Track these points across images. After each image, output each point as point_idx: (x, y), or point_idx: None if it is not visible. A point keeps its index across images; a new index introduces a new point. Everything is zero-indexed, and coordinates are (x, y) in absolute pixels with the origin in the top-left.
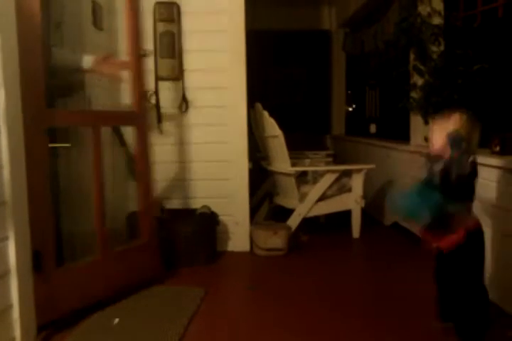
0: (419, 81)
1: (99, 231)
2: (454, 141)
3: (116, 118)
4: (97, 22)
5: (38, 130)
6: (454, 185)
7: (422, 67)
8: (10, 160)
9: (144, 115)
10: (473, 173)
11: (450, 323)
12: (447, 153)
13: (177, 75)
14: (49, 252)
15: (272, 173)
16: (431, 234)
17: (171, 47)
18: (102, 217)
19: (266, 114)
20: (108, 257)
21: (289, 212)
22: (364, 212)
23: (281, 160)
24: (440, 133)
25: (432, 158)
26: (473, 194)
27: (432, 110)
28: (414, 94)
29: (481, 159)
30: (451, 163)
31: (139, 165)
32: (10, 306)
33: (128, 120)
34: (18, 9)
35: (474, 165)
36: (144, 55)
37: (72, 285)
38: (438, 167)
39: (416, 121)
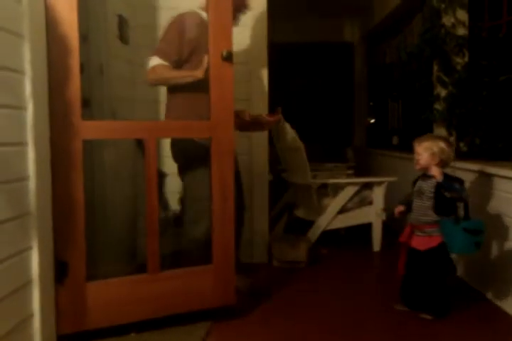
0: (442, 92)
1: (150, 248)
2: (447, 187)
3: (179, 129)
4: (122, 36)
5: (72, 142)
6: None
7: (445, 79)
8: (36, 172)
9: (226, 126)
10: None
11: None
12: (433, 171)
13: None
14: (77, 264)
15: (292, 185)
16: (417, 236)
17: None
18: (156, 233)
19: (287, 126)
20: (154, 278)
21: (309, 224)
22: (386, 225)
23: (301, 172)
24: (423, 152)
25: (425, 176)
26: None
27: (455, 122)
28: (437, 106)
29: (505, 172)
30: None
31: (215, 179)
32: (31, 315)
33: (198, 131)
34: (49, 15)
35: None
36: (227, 58)
37: (103, 300)
38: (428, 185)
39: (439, 132)
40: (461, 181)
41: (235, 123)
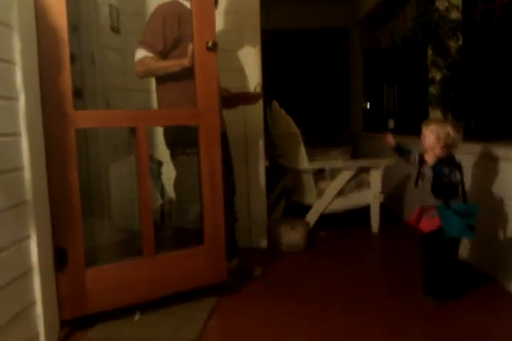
0: (437, 76)
1: (145, 233)
2: (436, 172)
3: (167, 117)
4: (113, 25)
5: (65, 131)
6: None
7: (440, 62)
8: (30, 162)
9: (212, 113)
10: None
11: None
12: (436, 151)
13: None
14: (76, 250)
15: (290, 170)
16: (424, 218)
17: None
18: (150, 218)
19: (283, 111)
20: (152, 260)
21: (307, 209)
22: (383, 207)
23: (298, 157)
24: (429, 134)
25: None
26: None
27: (450, 105)
28: (432, 89)
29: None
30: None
31: (204, 165)
32: (33, 303)
33: (187, 118)
34: (38, 5)
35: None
36: (212, 48)
37: (103, 285)
38: (427, 169)
39: (435, 115)
40: (457, 165)
41: (221, 100)
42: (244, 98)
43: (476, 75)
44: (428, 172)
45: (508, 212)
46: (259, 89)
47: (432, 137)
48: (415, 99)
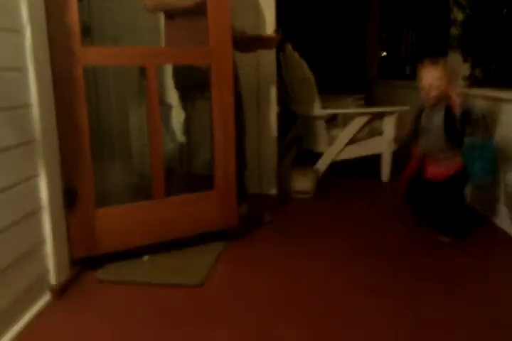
0: (459, 16)
1: (155, 175)
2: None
3: (178, 56)
4: None
5: (73, 68)
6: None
7: (463, 1)
8: (38, 99)
9: (224, 51)
10: None
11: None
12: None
13: None
14: (86, 189)
15: (302, 117)
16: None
17: None
18: (160, 160)
19: (296, 54)
20: (162, 202)
21: (318, 157)
22: (395, 155)
23: (311, 103)
24: (435, 76)
25: (432, 106)
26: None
27: (472, 46)
28: (453, 30)
29: None
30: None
31: (215, 108)
32: (43, 241)
33: (198, 57)
34: None
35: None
36: None
37: (114, 226)
38: (438, 117)
39: (455, 59)
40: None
41: (237, 42)
42: (261, 41)
43: (499, 13)
44: (438, 121)
45: None
46: (276, 34)
47: (442, 76)
48: (434, 43)
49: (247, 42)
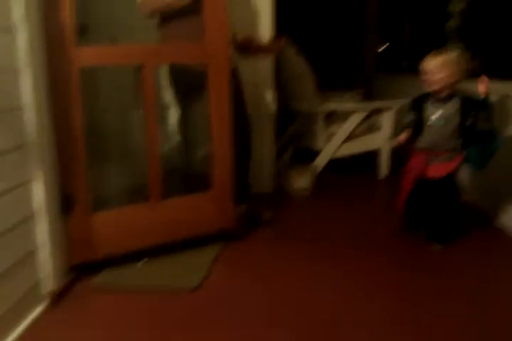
0: (458, 7)
1: (151, 177)
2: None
3: (175, 53)
4: None
5: (68, 70)
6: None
7: None
8: (33, 102)
9: (223, 52)
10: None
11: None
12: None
13: None
14: (83, 194)
15: (299, 114)
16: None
17: None
18: (157, 162)
19: (293, 50)
20: (159, 205)
21: (316, 155)
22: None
23: (308, 100)
24: (442, 69)
25: (440, 98)
26: None
27: (470, 37)
28: (452, 22)
29: None
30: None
31: (212, 107)
32: (39, 246)
33: (195, 56)
34: None
35: None
36: None
37: (111, 229)
38: (453, 107)
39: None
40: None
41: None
42: (265, 50)
43: (500, 6)
44: (448, 110)
45: None
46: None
47: (444, 74)
48: (432, 35)
49: (247, 47)
